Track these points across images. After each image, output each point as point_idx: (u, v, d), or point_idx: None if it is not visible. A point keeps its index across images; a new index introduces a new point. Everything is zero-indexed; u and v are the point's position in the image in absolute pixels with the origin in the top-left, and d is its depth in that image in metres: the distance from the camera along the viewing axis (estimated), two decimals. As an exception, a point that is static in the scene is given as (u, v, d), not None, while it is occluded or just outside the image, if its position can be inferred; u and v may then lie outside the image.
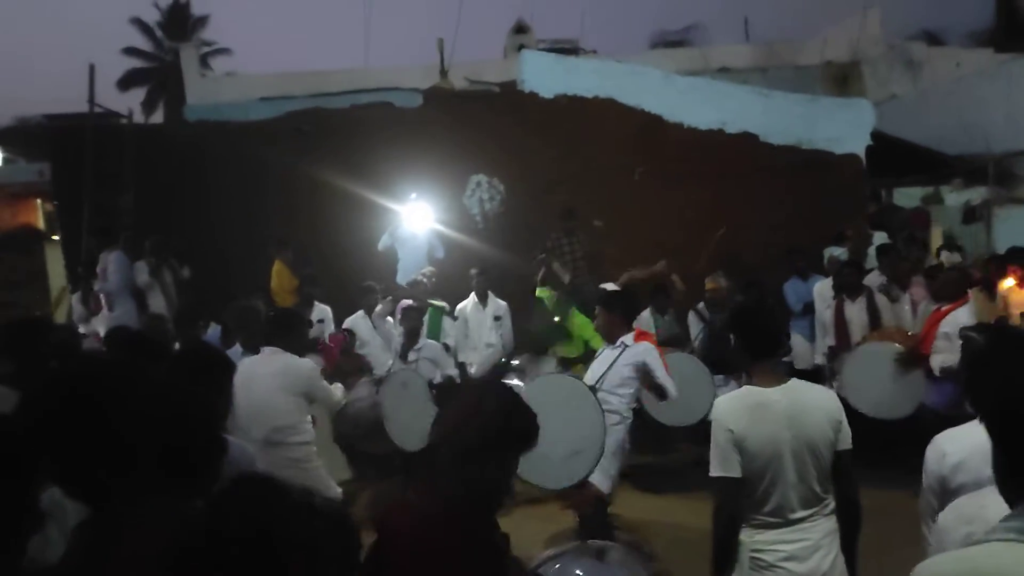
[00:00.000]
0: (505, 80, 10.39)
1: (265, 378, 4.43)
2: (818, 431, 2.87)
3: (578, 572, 3.30)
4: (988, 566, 1.35)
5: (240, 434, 4.21)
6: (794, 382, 2.98)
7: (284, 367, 4.54)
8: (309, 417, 4.67)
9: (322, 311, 7.80)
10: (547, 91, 9.64)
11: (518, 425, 2.04)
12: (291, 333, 4.76)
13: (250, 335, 5.34)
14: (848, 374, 6.49)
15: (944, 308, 6.23)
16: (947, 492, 2.45)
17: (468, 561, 1.92)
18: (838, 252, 8.31)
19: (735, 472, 2.88)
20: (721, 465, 2.90)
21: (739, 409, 2.94)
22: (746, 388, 3.03)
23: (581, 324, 7.15)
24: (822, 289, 7.86)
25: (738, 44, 20.27)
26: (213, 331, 6.75)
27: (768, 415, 2.88)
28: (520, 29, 19.40)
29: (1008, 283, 7.10)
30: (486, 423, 2.01)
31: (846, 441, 2.92)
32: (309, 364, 4.78)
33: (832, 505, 2.95)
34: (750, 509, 2.93)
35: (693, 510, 6.46)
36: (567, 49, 15.54)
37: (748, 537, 2.91)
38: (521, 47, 12.55)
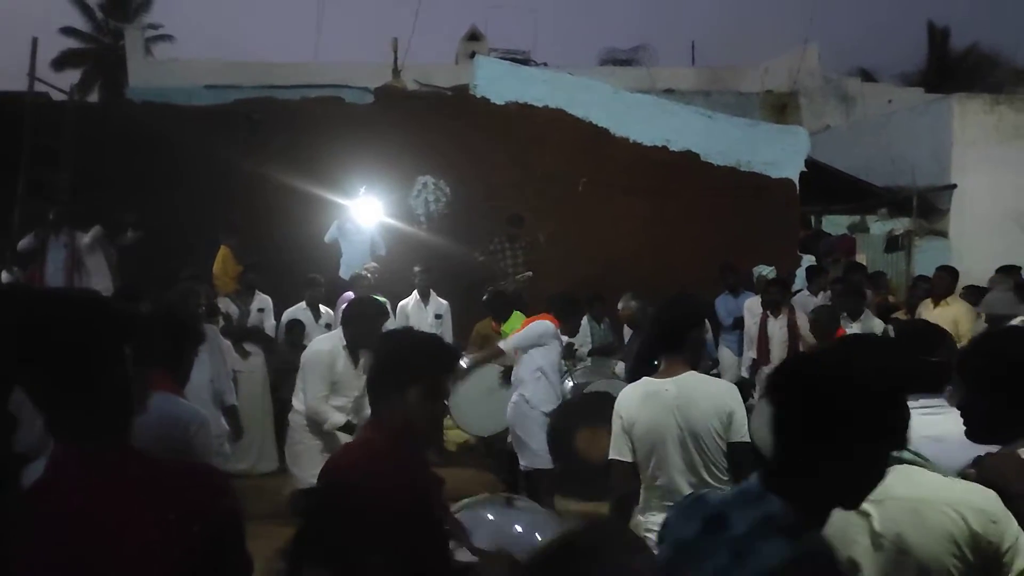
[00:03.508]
0: (455, 85, 10.51)
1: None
2: (702, 421, 2.98)
3: (488, 516, 3.48)
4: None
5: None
6: (689, 375, 3.07)
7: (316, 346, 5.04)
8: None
9: (263, 300, 7.77)
10: (499, 98, 9.78)
11: (424, 348, 2.34)
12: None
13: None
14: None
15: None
16: None
17: (391, 489, 2.11)
18: (766, 271, 8.64)
19: (626, 456, 3.07)
20: (614, 449, 3.11)
21: (632, 398, 3.13)
22: (644, 379, 3.18)
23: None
24: (752, 305, 8.18)
25: (684, 67, 20.82)
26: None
27: (656, 403, 3.04)
28: (473, 36, 19.56)
29: (926, 303, 7.53)
30: (394, 350, 2.35)
31: (739, 433, 2.98)
32: (317, 346, 5.02)
33: None
34: (645, 492, 3.09)
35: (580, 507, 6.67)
36: (519, 60, 15.73)
37: (643, 517, 3.05)
38: (473, 54, 12.67)
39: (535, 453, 5.58)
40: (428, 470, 2.37)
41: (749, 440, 2.95)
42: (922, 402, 2.28)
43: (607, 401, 5.94)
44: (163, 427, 2.39)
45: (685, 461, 2.98)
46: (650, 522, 2.98)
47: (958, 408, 2.11)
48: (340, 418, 4.78)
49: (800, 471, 1.46)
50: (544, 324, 5.68)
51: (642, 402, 3.07)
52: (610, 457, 3.11)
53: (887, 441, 1.50)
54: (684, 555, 1.55)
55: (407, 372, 2.27)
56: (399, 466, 2.20)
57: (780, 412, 1.48)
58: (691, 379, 3.07)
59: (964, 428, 2.07)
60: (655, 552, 1.66)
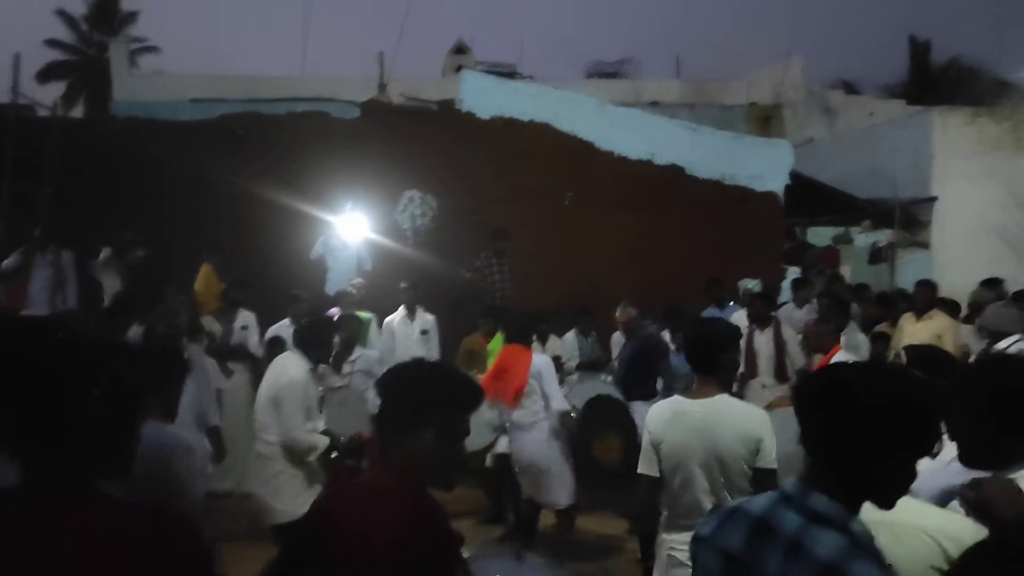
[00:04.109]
0: (442, 99, 10.52)
1: (267, 377, 4.97)
2: (726, 445, 3.03)
3: (497, 573, 3.41)
4: None
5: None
6: (720, 398, 3.12)
7: (280, 370, 4.94)
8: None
9: (246, 318, 7.72)
10: (484, 112, 9.80)
11: (445, 386, 2.07)
12: (315, 346, 5.06)
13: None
14: None
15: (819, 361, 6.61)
16: None
17: (400, 534, 1.91)
18: (751, 284, 8.65)
19: (653, 471, 3.16)
20: (642, 463, 3.20)
21: (661, 415, 3.21)
22: (675, 397, 3.29)
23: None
24: (739, 319, 8.21)
25: (669, 80, 20.92)
26: (135, 332, 6.58)
27: (683, 423, 3.11)
28: (459, 50, 19.60)
29: (907, 316, 7.58)
30: (407, 385, 2.07)
31: (765, 460, 3.03)
32: (292, 374, 4.88)
33: None
34: (668, 509, 3.16)
35: (603, 525, 6.65)
36: (505, 73, 15.79)
37: (667, 535, 3.13)
38: (460, 68, 12.71)
39: (568, 489, 5.62)
40: (443, 524, 2.10)
41: (775, 467, 3.04)
42: None
43: (606, 403, 6.04)
44: (146, 457, 2.37)
45: (709, 482, 3.04)
46: (674, 540, 3.08)
47: (951, 433, 2.14)
48: (324, 440, 4.76)
49: (845, 472, 1.60)
50: (541, 358, 5.74)
51: (670, 421, 3.15)
52: (639, 471, 3.22)
53: (919, 449, 1.63)
54: (738, 564, 1.66)
55: (421, 411, 2.00)
56: (419, 515, 1.97)
57: (829, 418, 1.62)
58: (720, 403, 3.11)
59: (956, 453, 2.11)
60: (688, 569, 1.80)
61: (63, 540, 1.33)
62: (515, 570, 3.41)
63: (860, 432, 1.58)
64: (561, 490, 5.60)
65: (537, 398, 5.57)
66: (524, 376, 5.52)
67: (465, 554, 3.60)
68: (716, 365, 3.18)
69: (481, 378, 5.45)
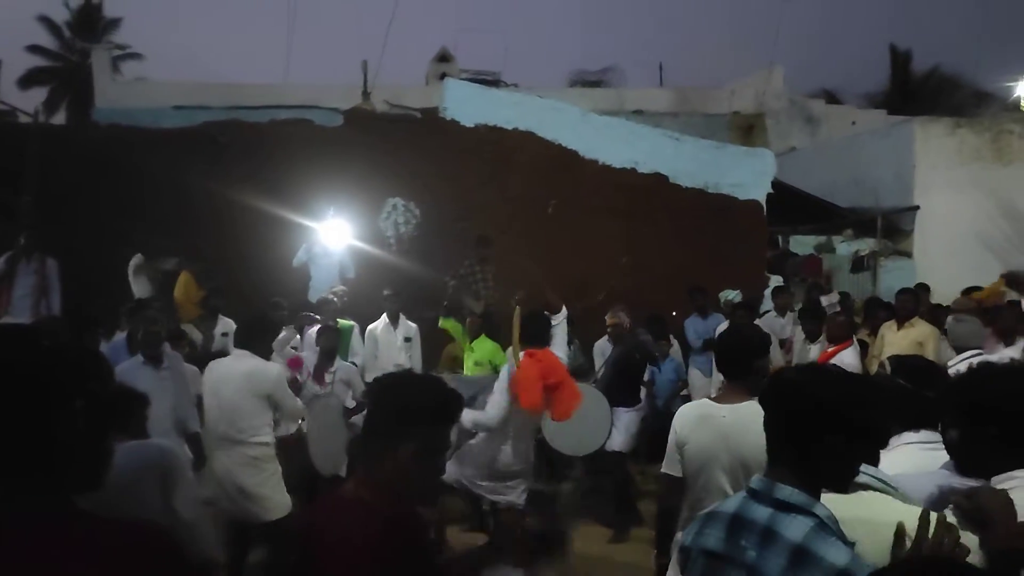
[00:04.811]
0: (426, 107, 10.52)
1: (233, 379, 4.84)
2: (751, 451, 2.97)
3: None
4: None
5: (204, 431, 4.89)
6: (748, 404, 3.07)
7: (252, 369, 4.88)
8: (271, 420, 4.98)
9: (226, 324, 7.64)
10: (468, 120, 9.81)
11: (428, 397, 2.05)
12: (263, 338, 5.12)
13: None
14: None
15: (831, 349, 6.63)
16: None
17: (385, 550, 1.90)
18: (732, 295, 8.68)
19: (676, 472, 3.22)
20: (666, 463, 3.27)
21: (689, 416, 3.26)
22: (703, 400, 3.36)
23: (491, 350, 7.24)
24: (721, 329, 8.25)
25: (653, 88, 21.04)
26: (118, 339, 6.53)
27: (709, 427, 3.15)
28: (443, 58, 19.65)
29: (888, 325, 7.61)
30: (388, 397, 2.07)
31: None
32: (276, 369, 5.12)
33: None
34: (689, 511, 3.17)
35: (587, 536, 6.62)
36: (489, 81, 15.84)
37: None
38: (444, 76, 12.72)
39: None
40: (427, 532, 2.14)
41: None
42: (923, 435, 2.45)
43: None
44: (131, 472, 2.37)
45: (732, 487, 3.04)
46: None
47: (944, 442, 2.16)
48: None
49: (800, 464, 1.77)
50: None
51: (697, 423, 3.19)
52: (662, 471, 3.30)
53: (862, 441, 1.81)
54: (719, 559, 1.80)
55: (402, 423, 1.99)
56: (400, 530, 1.98)
57: (783, 417, 1.82)
58: (748, 408, 3.05)
59: (948, 461, 2.14)
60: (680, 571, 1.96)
61: (36, 556, 1.30)
62: None
63: (811, 428, 1.76)
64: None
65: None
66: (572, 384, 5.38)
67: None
68: (749, 370, 3.21)
69: (529, 395, 5.01)
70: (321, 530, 1.98)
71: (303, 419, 5.66)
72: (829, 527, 1.68)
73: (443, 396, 2.07)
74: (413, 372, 2.36)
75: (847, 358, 6.29)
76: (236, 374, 4.86)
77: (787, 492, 1.74)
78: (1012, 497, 1.81)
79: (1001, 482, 1.94)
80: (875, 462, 1.99)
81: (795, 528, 1.68)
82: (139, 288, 8.33)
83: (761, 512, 1.75)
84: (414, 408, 2.00)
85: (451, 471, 5.14)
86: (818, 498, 1.76)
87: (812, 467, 1.77)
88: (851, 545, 1.66)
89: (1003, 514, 1.77)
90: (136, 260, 8.37)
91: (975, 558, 1.77)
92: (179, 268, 8.64)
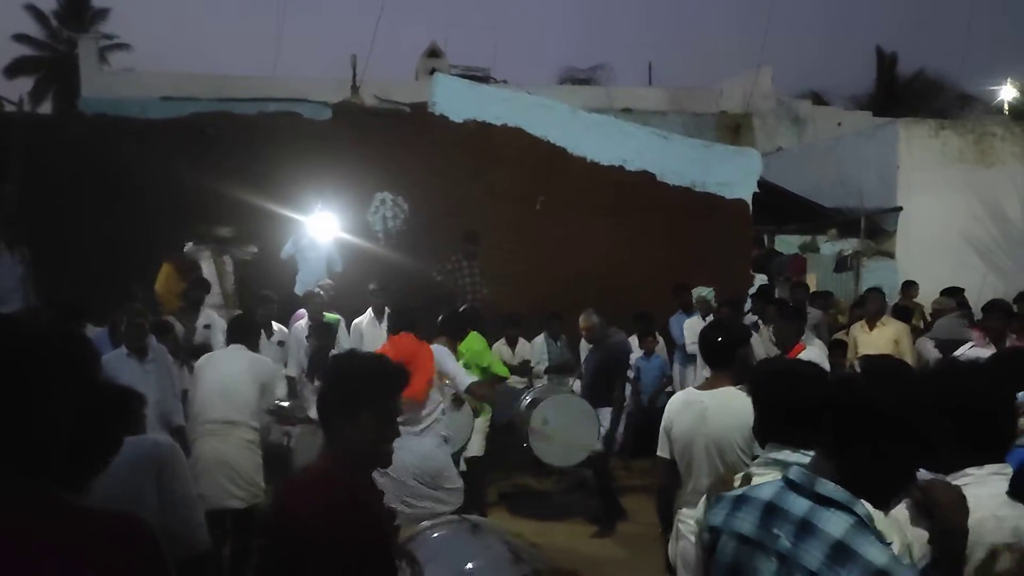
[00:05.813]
0: (415, 101, 10.51)
1: (234, 365, 5.22)
2: (725, 433, 3.29)
3: (449, 545, 3.51)
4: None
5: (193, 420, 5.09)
6: (726, 390, 3.39)
7: (253, 359, 5.36)
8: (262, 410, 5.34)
9: (209, 316, 7.59)
10: (457, 115, 9.81)
11: (373, 371, 2.30)
12: (253, 335, 5.63)
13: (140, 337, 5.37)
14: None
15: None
16: None
17: (339, 520, 2.11)
18: (705, 292, 8.72)
19: (666, 454, 3.54)
20: (660, 447, 3.58)
21: (675, 403, 3.58)
22: (689, 389, 3.70)
23: (479, 351, 7.06)
24: (692, 324, 8.35)
25: (641, 87, 21.10)
26: (100, 331, 6.49)
27: (691, 412, 3.43)
28: (433, 53, 19.63)
29: (859, 325, 7.68)
30: (343, 377, 2.31)
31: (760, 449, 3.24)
32: (271, 362, 5.73)
33: None
34: (680, 489, 3.50)
35: (572, 533, 6.68)
36: (479, 77, 15.82)
37: (680, 509, 3.45)
38: (433, 71, 12.71)
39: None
40: (382, 502, 2.37)
41: None
42: None
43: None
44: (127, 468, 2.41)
45: (709, 466, 3.30)
46: (683, 514, 3.41)
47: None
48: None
49: (848, 463, 1.74)
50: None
51: (681, 409, 3.50)
52: (657, 453, 3.60)
53: (915, 447, 1.76)
54: (752, 544, 1.80)
55: (359, 399, 2.23)
56: (355, 500, 2.19)
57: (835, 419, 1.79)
58: (725, 394, 3.38)
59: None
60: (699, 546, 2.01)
61: (15, 548, 1.27)
62: (467, 542, 3.48)
63: (860, 432, 1.74)
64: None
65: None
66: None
67: (423, 524, 3.67)
68: (733, 360, 3.47)
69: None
70: (288, 503, 2.24)
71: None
72: (868, 526, 1.68)
73: (388, 368, 2.34)
74: (361, 352, 2.80)
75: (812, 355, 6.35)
76: (239, 360, 5.26)
77: (830, 488, 1.73)
78: (964, 493, 1.89)
79: (956, 478, 2.01)
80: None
81: (835, 523, 1.67)
82: (207, 273, 8.24)
83: (800, 504, 1.75)
84: (367, 380, 2.26)
85: None
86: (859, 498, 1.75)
87: (869, 471, 1.74)
88: (888, 546, 1.67)
89: (951, 507, 1.87)
90: (188, 247, 8.39)
91: (925, 551, 1.87)
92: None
